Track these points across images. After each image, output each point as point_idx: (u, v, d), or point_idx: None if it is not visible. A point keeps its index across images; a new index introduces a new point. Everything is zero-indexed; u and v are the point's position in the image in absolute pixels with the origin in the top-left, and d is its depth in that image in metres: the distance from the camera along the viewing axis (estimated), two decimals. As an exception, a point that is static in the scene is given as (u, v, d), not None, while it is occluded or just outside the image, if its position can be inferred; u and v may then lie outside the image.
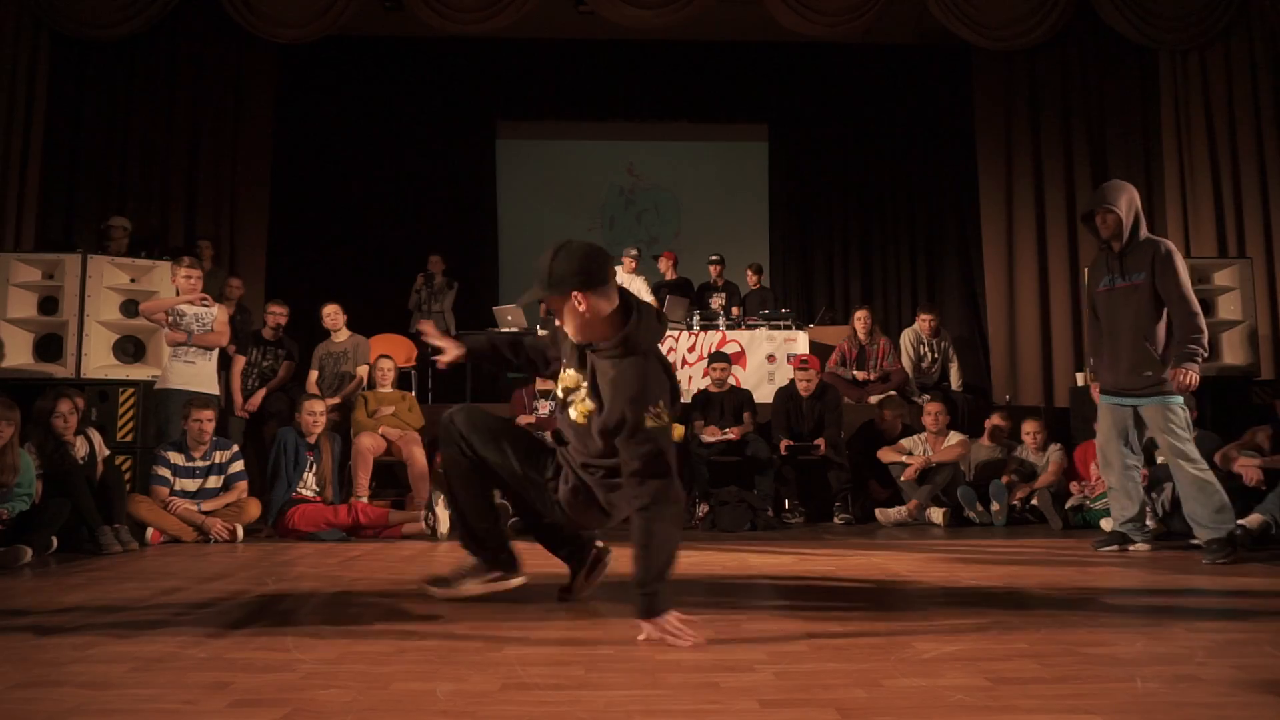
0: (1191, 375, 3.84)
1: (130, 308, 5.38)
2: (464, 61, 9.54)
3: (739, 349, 7.25)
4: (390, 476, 6.12)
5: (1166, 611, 2.75)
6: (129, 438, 5.26)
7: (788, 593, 3.18)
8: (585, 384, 2.48)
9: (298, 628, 2.51)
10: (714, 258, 8.64)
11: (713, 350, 6.85)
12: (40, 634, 2.43)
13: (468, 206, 9.96)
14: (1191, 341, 3.87)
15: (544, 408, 6.10)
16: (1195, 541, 4.36)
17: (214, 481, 5.10)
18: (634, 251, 8.34)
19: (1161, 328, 3.98)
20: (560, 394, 2.59)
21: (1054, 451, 5.84)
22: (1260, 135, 7.57)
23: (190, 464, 5.06)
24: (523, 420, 6.01)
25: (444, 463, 2.69)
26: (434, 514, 5.01)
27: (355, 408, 6.05)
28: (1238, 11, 7.61)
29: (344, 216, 9.49)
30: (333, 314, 6.67)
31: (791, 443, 5.95)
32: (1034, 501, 5.66)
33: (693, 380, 6.97)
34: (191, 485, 5.04)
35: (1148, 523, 4.28)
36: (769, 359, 7.27)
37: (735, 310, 8.07)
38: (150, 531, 4.84)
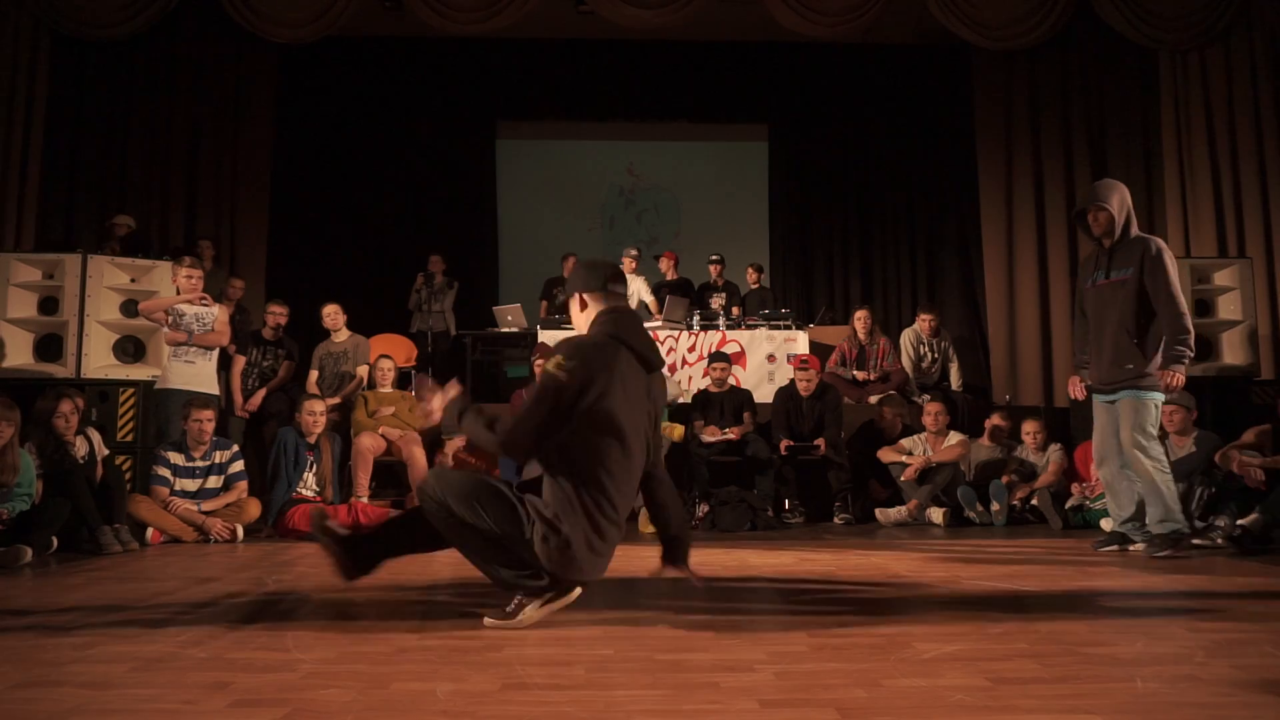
0: (1178, 377, 3.90)
1: (130, 308, 5.38)
2: (464, 61, 9.53)
3: (739, 349, 7.25)
4: (390, 476, 6.12)
5: (1166, 611, 2.75)
6: (129, 438, 5.25)
7: (788, 593, 3.18)
8: None
9: (298, 628, 2.51)
10: (714, 258, 8.64)
11: (713, 350, 6.85)
12: (40, 634, 2.43)
13: (468, 206, 9.95)
14: (1178, 343, 3.91)
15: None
16: (1196, 541, 4.37)
17: (214, 481, 5.10)
18: (634, 251, 8.35)
19: (1147, 323, 4.01)
20: None
21: (1054, 451, 5.84)
22: (1260, 135, 7.57)
23: (190, 464, 5.06)
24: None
25: (435, 523, 2.53)
26: (434, 514, 5.00)
27: (355, 408, 6.05)
28: (1238, 11, 7.61)
29: (344, 216, 9.49)
30: (333, 314, 6.67)
31: (791, 443, 5.95)
32: (1034, 501, 5.66)
33: (693, 380, 6.97)
34: (191, 485, 5.04)
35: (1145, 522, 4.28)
36: (769, 359, 7.27)
37: (735, 310, 8.07)
38: (150, 531, 4.84)
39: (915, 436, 6.01)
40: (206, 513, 4.95)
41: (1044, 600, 2.91)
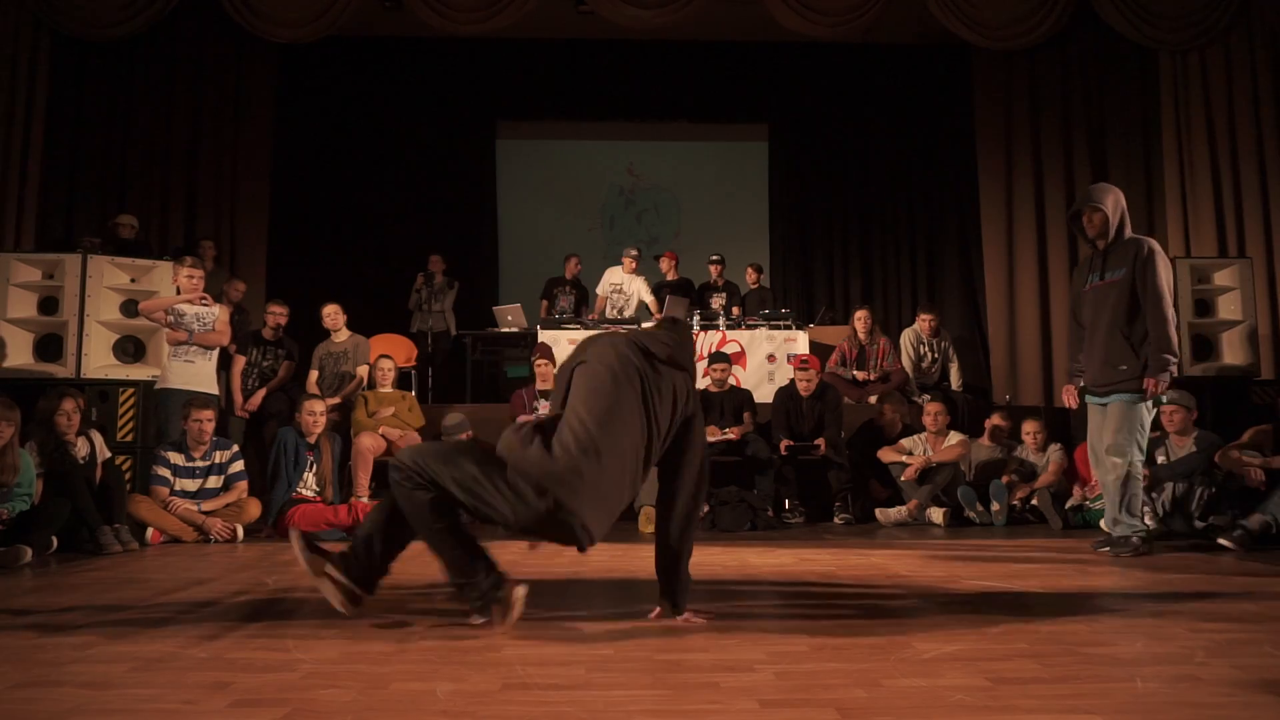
0: (1162, 385, 3.93)
1: (130, 308, 5.38)
2: (464, 61, 9.53)
3: (739, 349, 7.25)
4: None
5: (1166, 612, 2.74)
6: (129, 438, 5.25)
7: (788, 593, 3.17)
8: None
9: (298, 628, 2.51)
10: (714, 258, 8.64)
11: (713, 350, 6.85)
12: (40, 634, 2.43)
13: (468, 206, 9.95)
14: (1164, 350, 3.93)
15: (544, 408, 6.10)
16: (1196, 541, 4.37)
17: (214, 481, 5.10)
18: (634, 252, 8.35)
19: (1139, 324, 4.02)
20: None
21: (1054, 451, 5.84)
22: (1260, 135, 7.57)
23: (190, 464, 5.06)
24: (523, 420, 6.00)
25: (407, 511, 2.48)
26: (434, 514, 5.00)
27: (355, 408, 6.05)
28: (1238, 11, 7.61)
29: (344, 216, 9.49)
30: (333, 314, 6.67)
31: (791, 443, 5.95)
32: (1034, 501, 5.66)
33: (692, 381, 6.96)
34: (191, 485, 5.04)
35: (1147, 522, 4.28)
36: (769, 359, 7.27)
37: (735, 310, 8.08)
38: (150, 531, 4.84)
39: (915, 436, 6.01)
40: (206, 513, 4.95)
41: (1044, 600, 2.91)
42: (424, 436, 6.01)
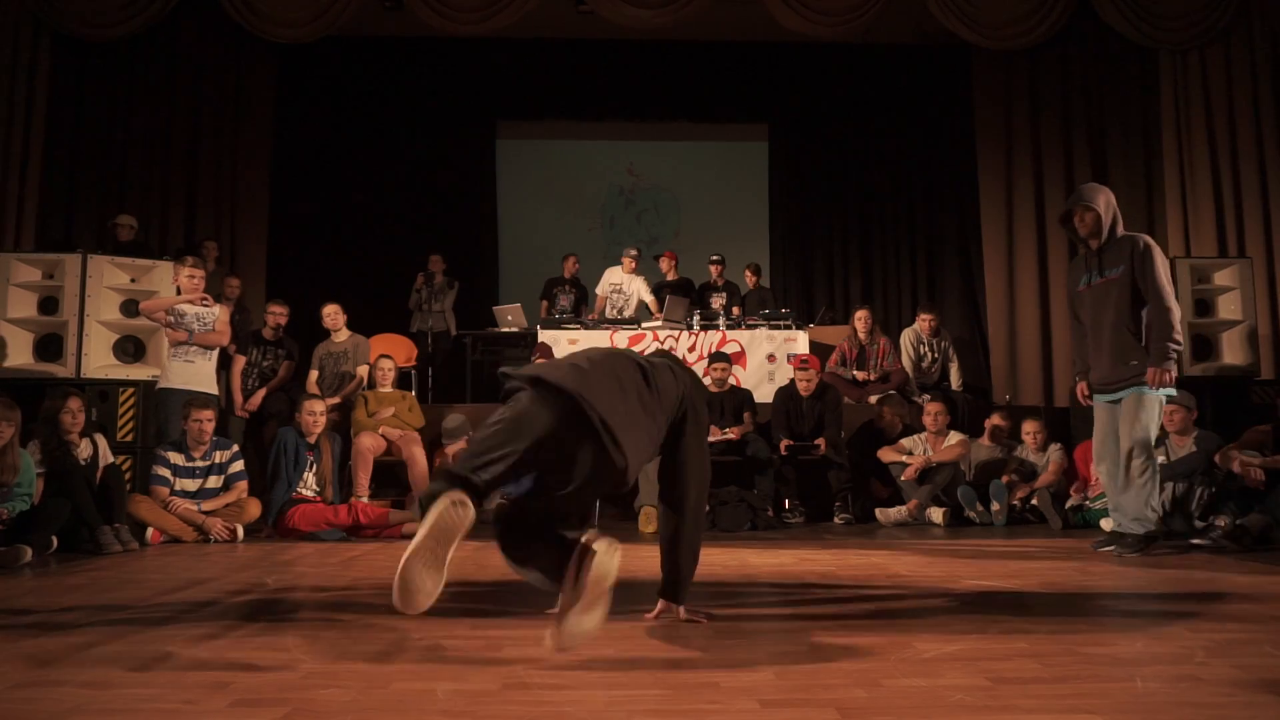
0: (1167, 375, 3.91)
1: (130, 308, 5.38)
2: (464, 61, 9.53)
3: (739, 349, 7.25)
4: (390, 476, 6.12)
5: (1166, 612, 2.74)
6: (129, 438, 5.26)
7: (788, 593, 3.17)
8: None
9: (298, 628, 2.51)
10: (715, 258, 8.64)
11: (713, 350, 6.85)
12: (40, 634, 2.43)
13: (468, 206, 9.95)
14: (1166, 339, 3.92)
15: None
16: (1196, 541, 4.37)
17: (214, 481, 5.10)
18: (634, 252, 8.35)
19: (1143, 318, 4.02)
20: None
21: (1054, 451, 5.84)
22: (1260, 135, 7.57)
23: (190, 464, 5.06)
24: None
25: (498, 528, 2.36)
26: (434, 514, 5.00)
27: (355, 408, 6.05)
28: (1238, 11, 7.62)
29: (344, 216, 9.49)
30: (333, 314, 6.67)
31: (791, 443, 5.95)
32: (1034, 501, 5.66)
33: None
34: (191, 485, 5.04)
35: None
36: (769, 359, 7.27)
37: (735, 310, 8.08)
38: (150, 531, 4.84)
39: (915, 436, 6.01)
40: (206, 512, 4.95)
41: (1044, 600, 2.91)
42: (424, 436, 6.01)
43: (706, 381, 6.29)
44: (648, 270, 8.62)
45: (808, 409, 6.10)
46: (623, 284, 8.26)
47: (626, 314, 8.00)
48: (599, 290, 8.34)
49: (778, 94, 10.01)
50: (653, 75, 9.75)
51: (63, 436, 4.65)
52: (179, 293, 5.58)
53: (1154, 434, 4.02)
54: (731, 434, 5.98)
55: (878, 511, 5.84)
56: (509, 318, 7.89)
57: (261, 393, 6.49)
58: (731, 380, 6.42)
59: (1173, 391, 4.07)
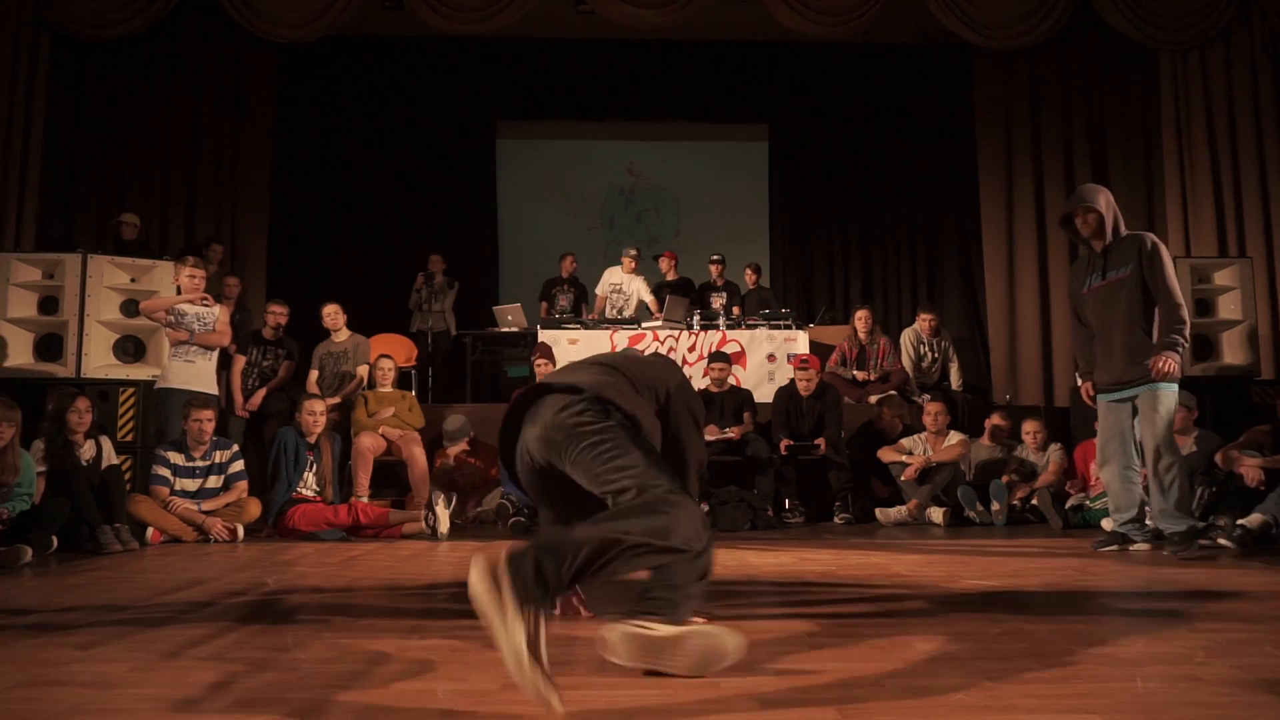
0: (1170, 363, 3.88)
1: (130, 307, 5.38)
2: (464, 61, 9.54)
3: (739, 349, 7.25)
4: (390, 476, 6.12)
5: (1166, 611, 2.74)
6: (129, 438, 5.26)
7: (788, 593, 3.17)
8: None
9: (298, 628, 2.51)
10: (715, 257, 8.64)
11: (713, 350, 6.85)
12: (40, 634, 2.42)
13: (468, 206, 9.96)
14: (1174, 331, 3.91)
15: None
16: (1197, 541, 4.35)
17: (214, 481, 5.10)
18: (633, 251, 8.35)
19: (1153, 317, 4.00)
20: None
21: (1054, 451, 5.85)
22: (1260, 135, 7.58)
23: (190, 464, 5.06)
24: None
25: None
26: (434, 514, 5.01)
27: (355, 407, 6.05)
28: (1238, 11, 7.62)
29: (344, 217, 9.49)
30: (333, 314, 6.67)
31: (791, 442, 5.95)
32: (1034, 501, 5.66)
33: (693, 380, 6.97)
34: (191, 485, 5.04)
35: (1147, 522, 4.27)
36: (769, 359, 7.27)
37: (736, 310, 8.08)
38: (150, 531, 4.85)
39: (915, 436, 6.01)
40: (206, 512, 4.95)
41: (1044, 600, 2.90)
42: (424, 436, 6.01)
43: (706, 381, 6.31)
44: (647, 270, 8.62)
45: (808, 409, 6.10)
46: (622, 284, 8.26)
47: (626, 314, 8.00)
48: (598, 290, 8.34)
49: (778, 94, 10.01)
50: (653, 75, 9.76)
51: (68, 436, 4.65)
52: (179, 292, 5.58)
53: (1173, 428, 3.97)
54: (731, 434, 5.98)
55: (878, 511, 5.84)
56: (509, 318, 7.89)
57: (261, 392, 6.49)
58: (731, 380, 6.42)
59: (1173, 387, 4.04)
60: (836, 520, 5.79)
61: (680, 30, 8.38)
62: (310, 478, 5.28)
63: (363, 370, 6.54)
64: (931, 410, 6.02)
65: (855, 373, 7.14)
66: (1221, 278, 6.02)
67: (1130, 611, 2.81)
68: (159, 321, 5.42)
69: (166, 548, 4.70)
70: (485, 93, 9.85)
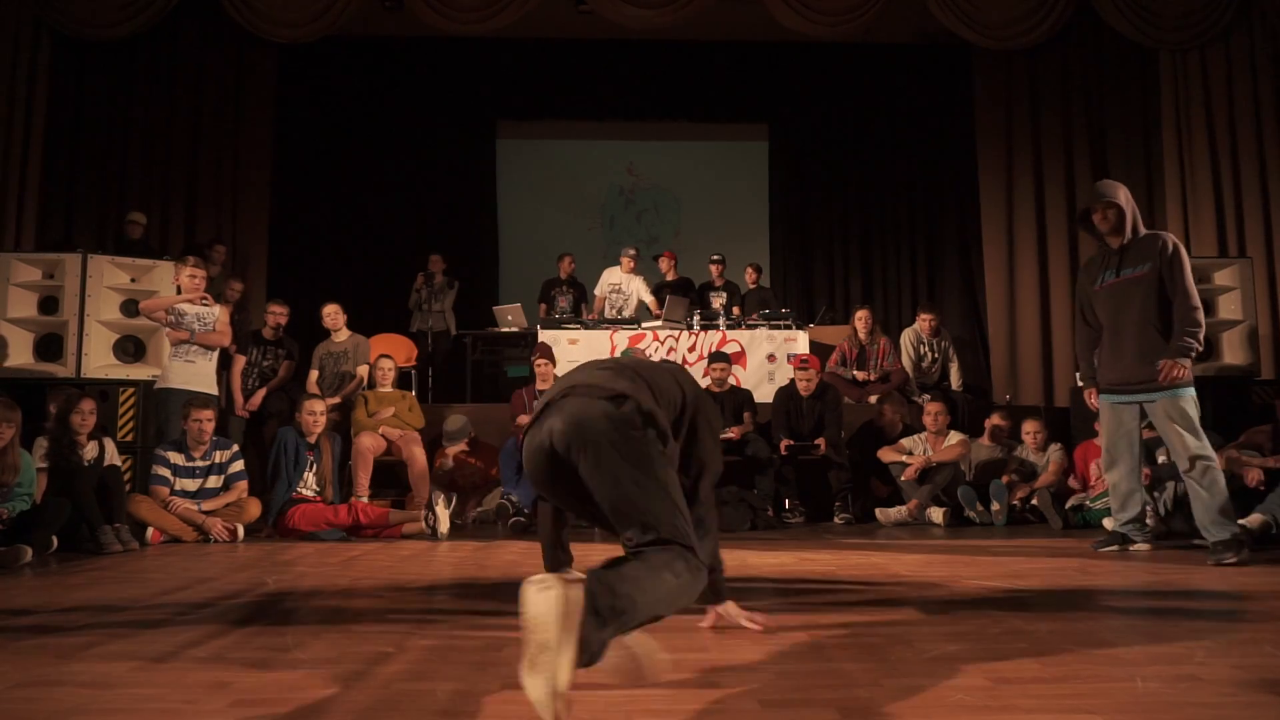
0: (1180, 369, 3.84)
1: (130, 307, 5.38)
2: (464, 61, 9.54)
3: (739, 349, 7.25)
4: (390, 476, 6.12)
5: (1166, 611, 2.74)
6: (129, 438, 5.26)
7: (788, 593, 3.17)
8: None
9: (298, 628, 2.51)
10: (715, 257, 8.64)
11: (713, 350, 6.85)
12: (40, 634, 2.43)
13: (468, 206, 9.96)
14: (1188, 335, 3.85)
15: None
16: (1198, 541, 4.35)
17: (214, 481, 5.10)
18: (632, 251, 8.34)
19: (1168, 317, 3.93)
20: None
21: (1054, 451, 5.85)
22: (1260, 135, 7.57)
23: (190, 464, 5.06)
24: (522, 420, 6.01)
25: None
26: (434, 514, 5.01)
27: (355, 407, 6.05)
28: (1238, 11, 7.62)
29: (344, 217, 9.49)
30: (333, 314, 6.67)
31: (791, 442, 5.95)
32: (1034, 501, 5.66)
33: (693, 380, 6.96)
34: (191, 485, 5.04)
35: (1148, 522, 4.27)
36: (769, 359, 7.27)
37: (736, 310, 8.07)
38: (150, 531, 4.85)
39: (915, 436, 6.01)
40: (206, 512, 4.95)
41: (1044, 600, 2.90)
42: (424, 436, 6.01)
43: (706, 382, 6.30)
44: (647, 270, 8.62)
45: (808, 409, 6.10)
46: (621, 284, 8.26)
47: (626, 314, 8.00)
48: (597, 291, 8.34)
49: (778, 94, 10.01)
50: (653, 75, 9.76)
51: (72, 436, 4.66)
52: (179, 292, 5.58)
53: (1200, 430, 3.89)
54: (731, 434, 5.98)
55: (878, 511, 5.84)
56: (509, 318, 7.89)
57: (261, 392, 6.49)
58: (731, 380, 6.42)
59: (1190, 390, 3.98)
60: (836, 520, 5.79)
61: (680, 30, 8.38)
62: (310, 478, 5.28)
63: (363, 370, 6.54)
64: (931, 410, 6.02)
65: (855, 373, 7.14)
66: (1221, 278, 6.01)
67: (1130, 611, 2.81)
68: (159, 321, 5.42)
69: (166, 548, 4.71)
70: (485, 93, 9.85)
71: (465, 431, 6.14)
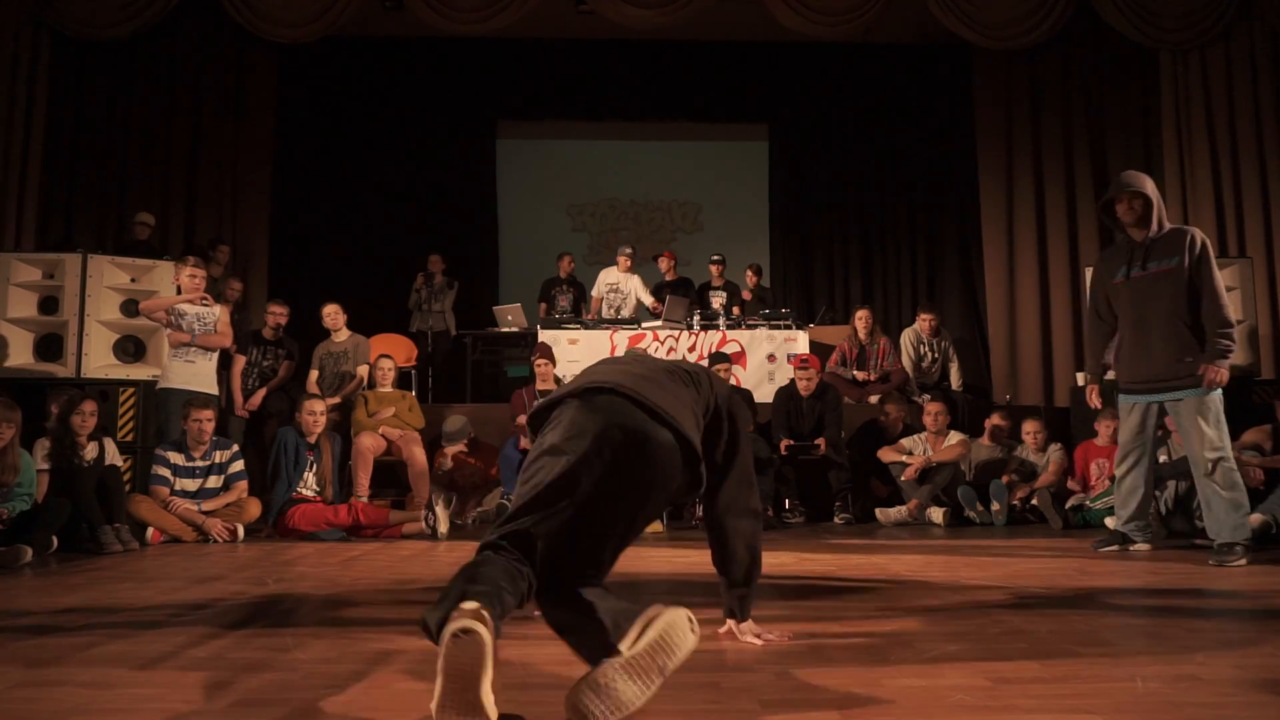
0: (1222, 373, 3.77)
1: (130, 307, 5.38)
2: (464, 61, 9.53)
3: (739, 349, 7.25)
4: (390, 476, 6.12)
5: (1166, 611, 2.74)
6: (129, 438, 5.26)
7: (788, 593, 3.17)
8: None
9: (298, 628, 2.51)
10: (715, 257, 8.64)
11: (713, 350, 6.85)
12: (40, 634, 2.43)
13: (468, 206, 9.96)
14: (1222, 336, 3.78)
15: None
16: (1198, 541, 4.35)
17: (214, 481, 5.10)
18: (628, 250, 8.32)
19: (1197, 313, 3.85)
20: None
21: (1054, 451, 5.84)
22: (1260, 135, 7.58)
23: (190, 464, 5.06)
24: (521, 420, 6.01)
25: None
26: (434, 514, 5.01)
27: (355, 407, 6.05)
28: (1238, 11, 7.62)
29: (344, 217, 9.49)
30: (333, 314, 6.67)
31: (791, 442, 5.94)
32: (1034, 501, 5.66)
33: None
34: (191, 485, 5.04)
35: (1149, 522, 4.27)
36: (769, 359, 7.26)
37: (736, 310, 8.07)
38: (150, 531, 4.84)
39: (915, 436, 6.01)
40: (206, 512, 4.94)
41: (1044, 600, 2.90)
42: (424, 436, 6.01)
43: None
44: (647, 270, 8.62)
45: (808, 409, 6.10)
46: (619, 283, 8.26)
47: (624, 313, 7.99)
48: (594, 292, 8.33)
49: (778, 94, 10.01)
50: (653, 75, 9.76)
51: (74, 437, 4.66)
52: (179, 292, 5.58)
53: (1226, 431, 3.85)
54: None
55: (878, 511, 5.84)
56: (509, 318, 7.89)
57: (261, 392, 6.49)
58: (731, 380, 6.42)
59: (1219, 391, 3.89)
60: (836, 520, 5.79)
61: (680, 30, 8.38)
62: (310, 478, 5.27)
63: (363, 370, 6.54)
64: (931, 410, 6.02)
65: (855, 373, 7.14)
66: (1221, 278, 6.00)
67: (1130, 611, 2.80)
68: (159, 321, 5.42)
69: (166, 548, 4.70)
70: (485, 93, 9.85)
71: (465, 432, 6.13)
